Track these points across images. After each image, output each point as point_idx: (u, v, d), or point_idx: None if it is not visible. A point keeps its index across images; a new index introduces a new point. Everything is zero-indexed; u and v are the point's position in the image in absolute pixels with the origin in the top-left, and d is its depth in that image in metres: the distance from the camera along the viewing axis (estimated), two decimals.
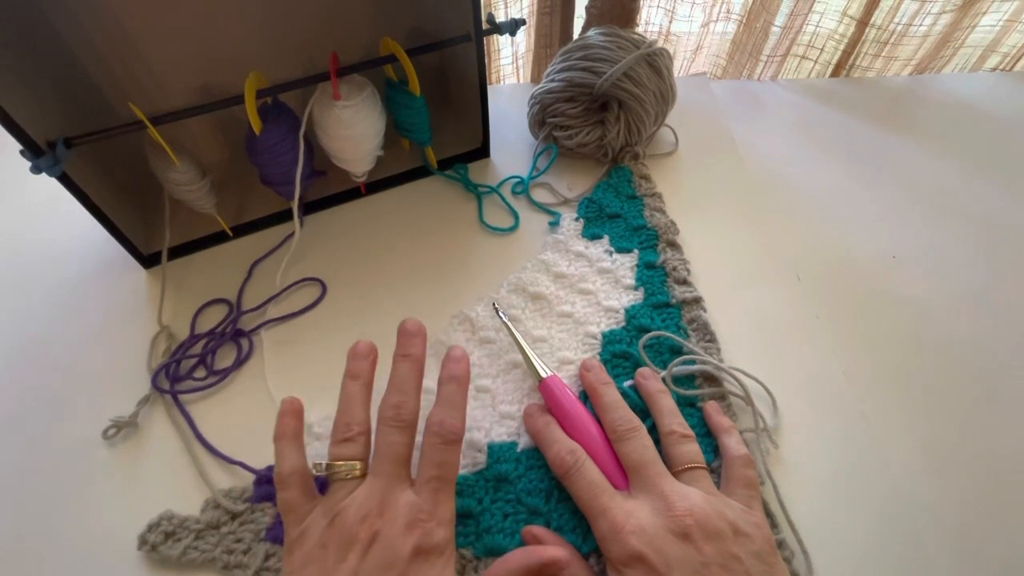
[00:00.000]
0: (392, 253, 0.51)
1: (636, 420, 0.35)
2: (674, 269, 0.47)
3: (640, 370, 0.40)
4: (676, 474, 0.33)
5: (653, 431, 0.36)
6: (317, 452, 0.38)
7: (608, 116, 0.54)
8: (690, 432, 0.35)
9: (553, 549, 0.31)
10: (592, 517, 0.31)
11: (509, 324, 0.42)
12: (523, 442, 0.38)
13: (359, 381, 0.34)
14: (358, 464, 0.31)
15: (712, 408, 0.38)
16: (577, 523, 0.34)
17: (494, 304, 0.44)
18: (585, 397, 0.39)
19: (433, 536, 0.29)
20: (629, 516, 0.30)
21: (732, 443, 0.36)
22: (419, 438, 0.34)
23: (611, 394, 0.37)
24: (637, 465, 0.33)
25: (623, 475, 0.34)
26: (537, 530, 0.34)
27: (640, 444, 0.34)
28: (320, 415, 0.39)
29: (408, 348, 0.35)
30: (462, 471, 0.37)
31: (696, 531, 0.29)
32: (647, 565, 0.28)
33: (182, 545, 0.34)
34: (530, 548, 0.32)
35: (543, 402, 0.38)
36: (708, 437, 0.37)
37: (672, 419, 0.36)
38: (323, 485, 0.33)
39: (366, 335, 0.45)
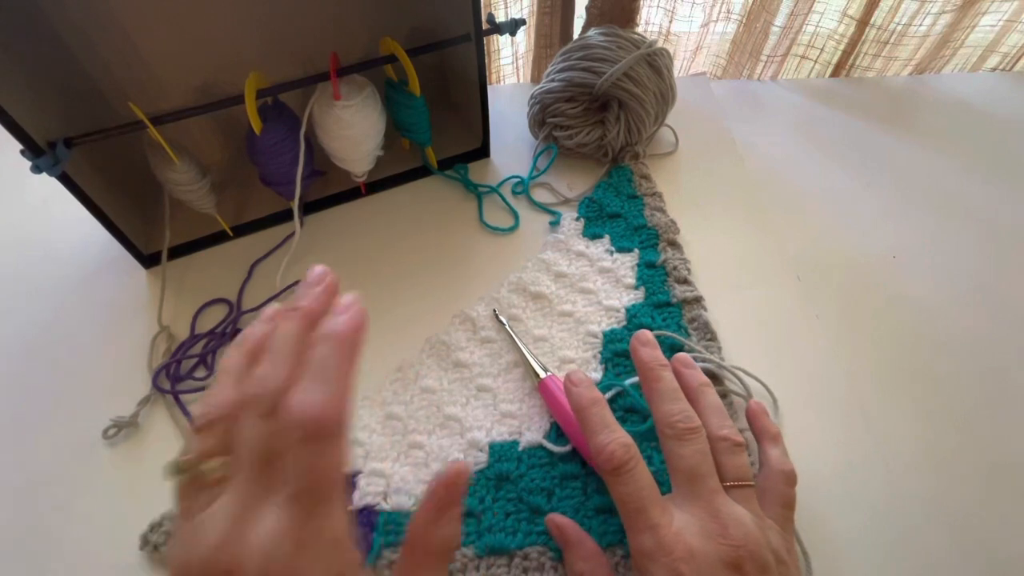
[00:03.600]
0: (392, 253, 0.51)
1: (697, 419, 0.31)
2: (675, 268, 0.47)
3: (678, 356, 0.35)
4: (725, 489, 0.30)
5: (652, 432, 0.35)
6: None
7: (608, 116, 0.54)
8: (742, 439, 0.32)
9: (458, 463, 0.26)
10: (635, 527, 0.28)
11: (510, 328, 0.42)
12: (524, 441, 0.38)
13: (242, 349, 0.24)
14: (217, 465, 0.21)
15: (758, 409, 0.35)
16: (578, 522, 0.34)
17: (494, 310, 0.44)
18: None
19: None
20: (678, 537, 0.27)
21: (777, 455, 0.33)
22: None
23: (669, 379, 0.32)
24: (692, 474, 0.29)
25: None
26: (559, 519, 0.33)
27: (699, 450, 0.30)
28: None
29: (299, 299, 0.23)
30: None
31: (748, 563, 0.27)
32: None
33: None
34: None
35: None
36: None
37: (722, 421, 0.32)
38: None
39: (367, 334, 0.45)
